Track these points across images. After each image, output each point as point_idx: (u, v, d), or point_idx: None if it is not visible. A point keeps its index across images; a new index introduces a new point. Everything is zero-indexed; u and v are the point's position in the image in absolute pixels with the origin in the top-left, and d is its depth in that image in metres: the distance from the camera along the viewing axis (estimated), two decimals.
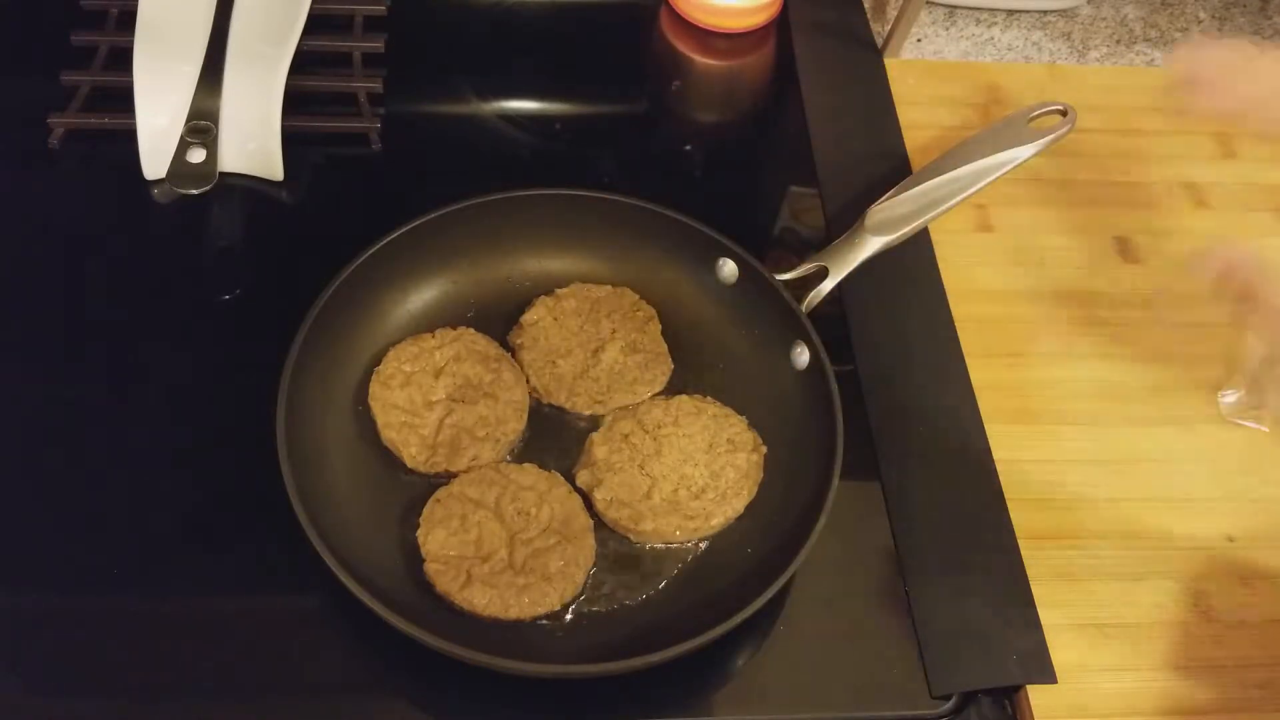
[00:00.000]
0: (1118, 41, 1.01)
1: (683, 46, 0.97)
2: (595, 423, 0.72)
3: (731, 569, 0.67)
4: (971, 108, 0.93)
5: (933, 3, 1.00)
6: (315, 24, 0.86)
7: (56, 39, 0.86)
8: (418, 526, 0.66)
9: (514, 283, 0.78)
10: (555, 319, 0.75)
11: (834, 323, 0.77)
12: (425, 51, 0.93)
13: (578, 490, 0.69)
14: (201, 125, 0.79)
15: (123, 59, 0.82)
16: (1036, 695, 0.64)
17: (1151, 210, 0.88)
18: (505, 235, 0.77)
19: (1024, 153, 0.78)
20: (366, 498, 0.68)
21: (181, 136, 0.78)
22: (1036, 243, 0.85)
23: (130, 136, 0.80)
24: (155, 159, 0.80)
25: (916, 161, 0.88)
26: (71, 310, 0.76)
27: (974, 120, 0.91)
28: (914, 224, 0.76)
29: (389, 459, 0.70)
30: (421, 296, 0.76)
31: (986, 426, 0.74)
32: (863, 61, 0.95)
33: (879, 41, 0.96)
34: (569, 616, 0.65)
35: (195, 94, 0.80)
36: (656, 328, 0.76)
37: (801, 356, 0.72)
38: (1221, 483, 0.74)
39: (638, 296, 0.77)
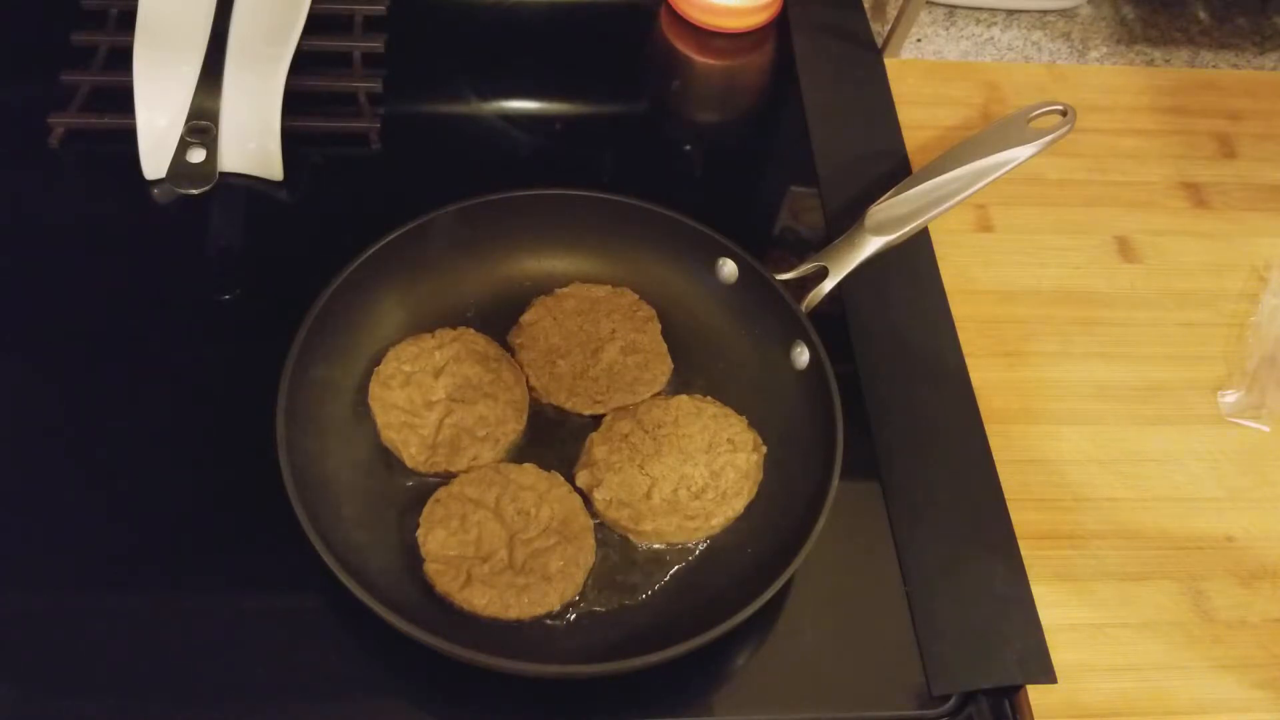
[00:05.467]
0: (1118, 41, 1.01)
1: (683, 46, 0.97)
2: (595, 423, 0.72)
3: (731, 569, 0.67)
4: (971, 108, 0.93)
5: (933, 3, 1.00)
6: (315, 24, 0.86)
7: (56, 39, 0.86)
8: (418, 526, 0.66)
9: (514, 283, 0.78)
10: (555, 319, 0.75)
11: (834, 323, 0.77)
12: (425, 51, 0.93)
13: (578, 490, 0.69)
14: (201, 125, 0.79)
15: (123, 59, 0.82)
16: (1036, 695, 0.64)
17: (1151, 210, 0.88)
18: (505, 235, 0.77)
19: (1024, 153, 0.78)
20: (366, 498, 0.68)
21: (181, 136, 0.78)
22: (1036, 243, 0.85)
23: (130, 136, 0.80)
24: (155, 159, 0.80)
25: (916, 161, 0.88)
26: (71, 310, 0.76)
27: (974, 120, 0.91)
28: (914, 224, 0.76)
29: (389, 459, 0.70)
30: (421, 296, 0.76)
31: (986, 426, 0.74)
32: (863, 61, 0.95)
33: (879, 41, 0.96)
34: (569, 616, 0.65)
35: (195, 94, 0.80)
36: (656, 328, 0.76)
37: (801, 356, 0.72)
38: (1221, 483, 0.74)
39: (637, 296, 0.77)
